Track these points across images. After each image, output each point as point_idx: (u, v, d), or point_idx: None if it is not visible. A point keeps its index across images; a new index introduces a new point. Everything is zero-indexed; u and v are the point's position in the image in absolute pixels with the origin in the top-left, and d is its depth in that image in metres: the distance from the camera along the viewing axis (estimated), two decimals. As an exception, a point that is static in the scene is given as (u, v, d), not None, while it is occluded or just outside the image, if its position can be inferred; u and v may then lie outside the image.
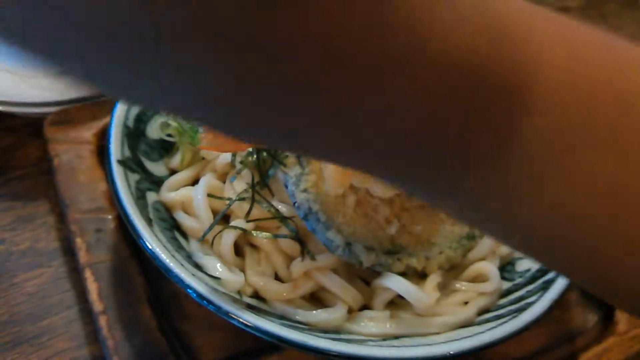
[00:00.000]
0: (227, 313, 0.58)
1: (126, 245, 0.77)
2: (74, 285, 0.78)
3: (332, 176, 0.61)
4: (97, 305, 0.70)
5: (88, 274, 0.73)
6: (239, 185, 0.71)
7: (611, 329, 0.81)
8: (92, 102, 0.93)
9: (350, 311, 0.67)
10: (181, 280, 0.59)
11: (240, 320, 0.58)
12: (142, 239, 0.62)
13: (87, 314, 0.75)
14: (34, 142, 0.93)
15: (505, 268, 0.77)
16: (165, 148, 0.79)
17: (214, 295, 0.59)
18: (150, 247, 0.61)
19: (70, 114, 0.92)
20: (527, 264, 0.77)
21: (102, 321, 0.69)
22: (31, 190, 0.89)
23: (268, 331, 0.58)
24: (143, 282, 0.73)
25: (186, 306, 0.73)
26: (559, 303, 0.68)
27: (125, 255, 0.76)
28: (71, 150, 0.86)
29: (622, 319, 0.83)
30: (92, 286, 0.72)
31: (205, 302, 0.59)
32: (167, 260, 0.60)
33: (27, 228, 0.84)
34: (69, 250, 0.81)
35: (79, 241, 0.76)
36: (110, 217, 0.79)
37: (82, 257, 0.75)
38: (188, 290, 0.59)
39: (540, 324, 0.67)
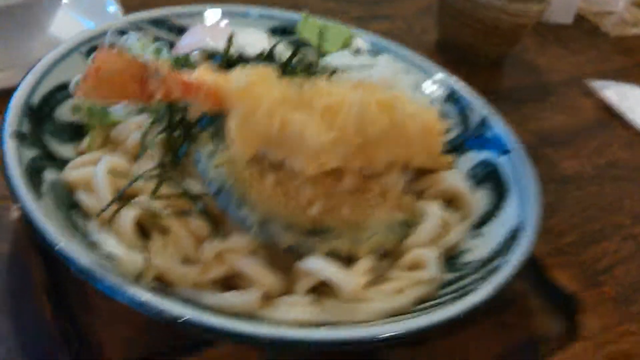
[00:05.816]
0: (112, 288, 0.50)
1: (27, 236, 0.69)
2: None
3: (237, 135, 0.54)
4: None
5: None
6: (149, 166, 0.65)
7: (576, 335, 0.74)
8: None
9: (268, 298, 0.59)
10: (56, 246, 0.51)
11: (131, 297, 0.50)
12: (21, 200, 0.54)
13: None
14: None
15: (450, 261, 0.69)
16: (78, 132, 0.73)
17: (99, 269, 0.51)
18: (26, 207, 0.53)
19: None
20: (474, 255, 0.69)
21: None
22: None
23: (163, 311, 0.50)
24: (42, 272, 0.65)
25: (90, 297, 0.65)
26: (520, 308, 0.60)
27: (25, 245, 0.68)
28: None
29: (587, 324, 0.76)
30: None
31: (83, 274, 0.50)
32: (44, 222, 0.52)
33: None
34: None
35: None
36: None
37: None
38: (66, 259, 0.51)
39: (502, 330, 0.59)
